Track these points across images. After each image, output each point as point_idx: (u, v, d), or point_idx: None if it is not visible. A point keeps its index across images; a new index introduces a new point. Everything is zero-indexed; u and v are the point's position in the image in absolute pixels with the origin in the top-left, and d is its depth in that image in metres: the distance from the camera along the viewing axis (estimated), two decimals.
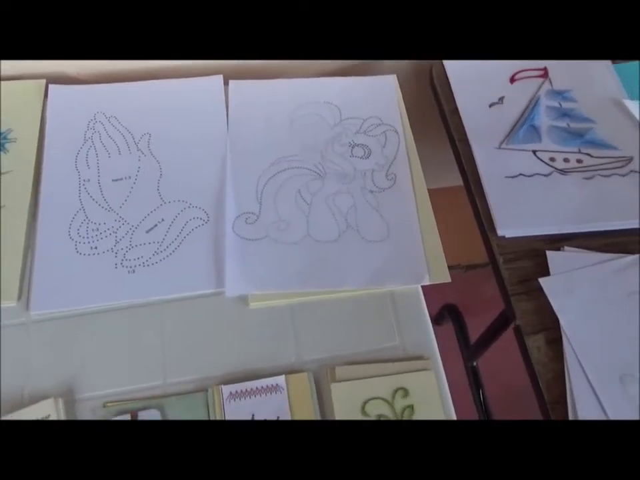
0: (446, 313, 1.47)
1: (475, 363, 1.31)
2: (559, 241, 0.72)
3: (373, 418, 0.60)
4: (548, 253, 0.70)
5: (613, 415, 0.60)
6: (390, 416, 0.61)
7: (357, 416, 0.61)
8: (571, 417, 0.60)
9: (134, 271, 0.68)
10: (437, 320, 1.49)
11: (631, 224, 0.72)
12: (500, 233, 0.72)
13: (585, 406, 0.61)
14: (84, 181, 0.74)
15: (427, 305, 0.66)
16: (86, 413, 0.60)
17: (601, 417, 0.60)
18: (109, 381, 0.62)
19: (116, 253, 0.69)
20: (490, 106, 0.83)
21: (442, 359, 0.64)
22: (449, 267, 1.71)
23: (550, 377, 0.63)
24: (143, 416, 0.59)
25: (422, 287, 0.68)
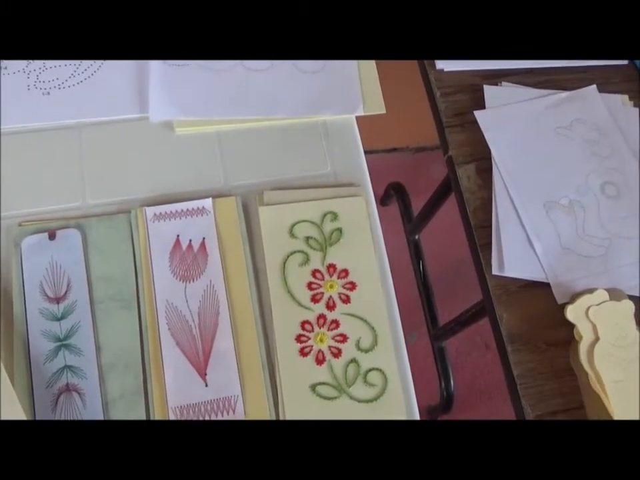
0: (392, 192, 1.47)
1: (416, 237, 1.34)
2: (497, 77, 0.70)
3: (300, 239, 0.60)
4: (485, 87, 0.69)
5: (533, 236, 0.62)
6: (318, 238, 0.60)
7: (285, 238, 0.60)
8: (494, 239, 0.62)
9: (49, 93, 0.63)
10: (383, 200, 1.49)
11: (571, 62, 0.71)
12: (439, 66, 0.69)
13: (508, 229, 0.62)
14: None
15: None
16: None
17: (523, 239, 0.62)
18: (24, 202, 0.59)
19: (28, 74, 0.64)
20: None
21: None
22: (398, 149, 1.69)
23: (478, 204, 0.64)
24: (61, 235, 0.57)
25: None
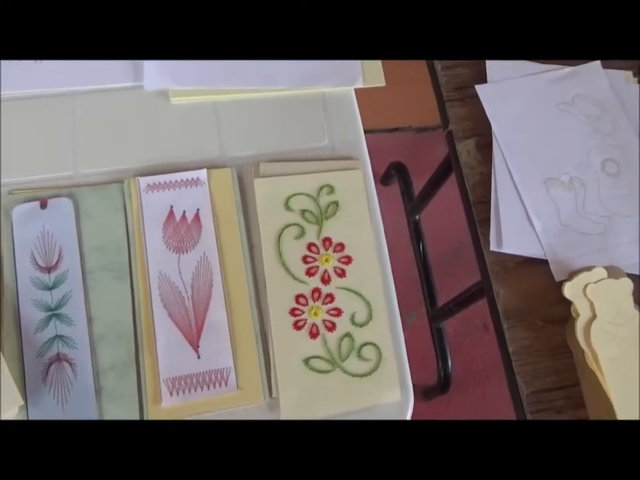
0: (393, 172, 1.46)
1: (417, 217, 1.33)
2: None
3: (296, 212, 0.59)
4: (487, 60, 0.67)
5: (532, 213, 0.61)
6: (314, 211, 0.59)
7: (280, 210, 0.59)
8: (492, 215, 0.61)
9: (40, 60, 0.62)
10: (384, 180, 1.48)
11: None
12: None
13: (507, 205, 0.61)
14: None
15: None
16: None
17: (522, 215, 0.61)
18: (15, 170, 0.58)
19: None
20: None
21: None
22: (400, 129, 1.67)
23: (477, 180, 0.63)
24: (53, 203, 0.56)
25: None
